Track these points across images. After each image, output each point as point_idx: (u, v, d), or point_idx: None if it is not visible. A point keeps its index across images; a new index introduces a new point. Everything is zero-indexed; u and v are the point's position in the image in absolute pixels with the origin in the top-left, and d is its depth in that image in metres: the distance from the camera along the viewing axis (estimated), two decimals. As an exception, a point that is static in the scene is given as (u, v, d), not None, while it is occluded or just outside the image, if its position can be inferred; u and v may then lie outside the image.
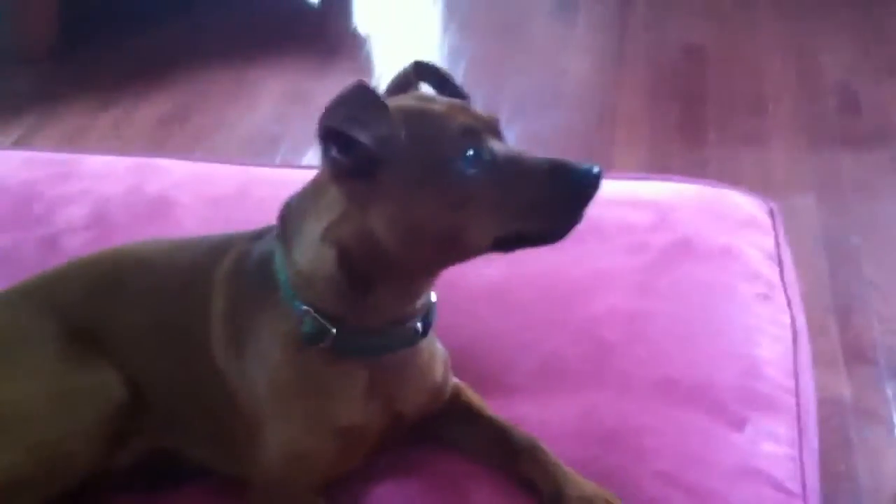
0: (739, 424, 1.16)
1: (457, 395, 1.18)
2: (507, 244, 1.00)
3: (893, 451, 1.85)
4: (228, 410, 1.09)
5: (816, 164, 2.67)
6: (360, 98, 0.95)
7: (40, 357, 1.12)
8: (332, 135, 0.95)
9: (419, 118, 0.97)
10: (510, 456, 1.12)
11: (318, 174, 1.04)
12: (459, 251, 1.01)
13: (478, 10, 3.60)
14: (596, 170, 0.97)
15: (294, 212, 1.06)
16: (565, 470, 1.09)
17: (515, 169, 0.97)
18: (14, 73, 3.29)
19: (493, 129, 1.01)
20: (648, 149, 2.76)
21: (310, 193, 1.04)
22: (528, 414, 1.18)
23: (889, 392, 1.97)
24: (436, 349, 1.15)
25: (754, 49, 3.22)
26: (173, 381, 1.13)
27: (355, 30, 3.54)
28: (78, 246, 1.46)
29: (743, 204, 1.52)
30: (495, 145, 0.99)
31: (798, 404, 1.22)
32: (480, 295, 1.36)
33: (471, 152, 0.96)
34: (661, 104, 2.96)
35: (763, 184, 2.37)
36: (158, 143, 2.91)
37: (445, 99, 1.03)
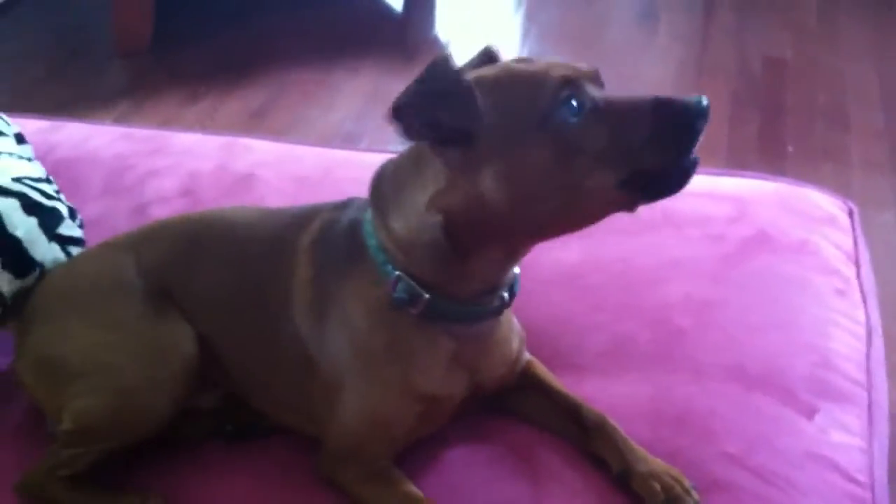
0: (810, 413, 1.16)
1: (529, 369, 1.20)
2: (631, 190, 0.97)
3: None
4: (306, 374, 1.12)
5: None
6: (439, 77, 0.96)
7: (124, 309, 1.16)
8: (412, 113, 0.96)
9: (511, 79, 0.99)
10: (580, 431, 1.14)
11: (410, 147, 1.06)
12: (583, 205, 0.98)
13: (558, 17, 3.62)
14: (704, 102, 0.96)
15: (389, 181, 1.07)
16: (634, 447, 1.10)
17: (620, 111, 0.96)
18: (110, 66, 3.40)
19: (594, 78, 1.01)
20: (726, 159, 2.74)
21: (408, 163, 1.05)
22: (597, 393, 1.20)
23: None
24: (513, 323, 1.17)
25: (836, 62, 3.18)
26: (249, 345, 1.16)
27: (436, 36, 3.59)
28: (166, 215, 1.50)
29: (822, 202, 1.51)
30: (596, 92, 0.99)
31: (870, 398, 1.22)
32: (554, 278, 1.38)
33: (573, 101, 0.96)
34: (740, 115, 2.94)
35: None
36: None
37: (541, 60, 1.03)
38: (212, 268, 1.18)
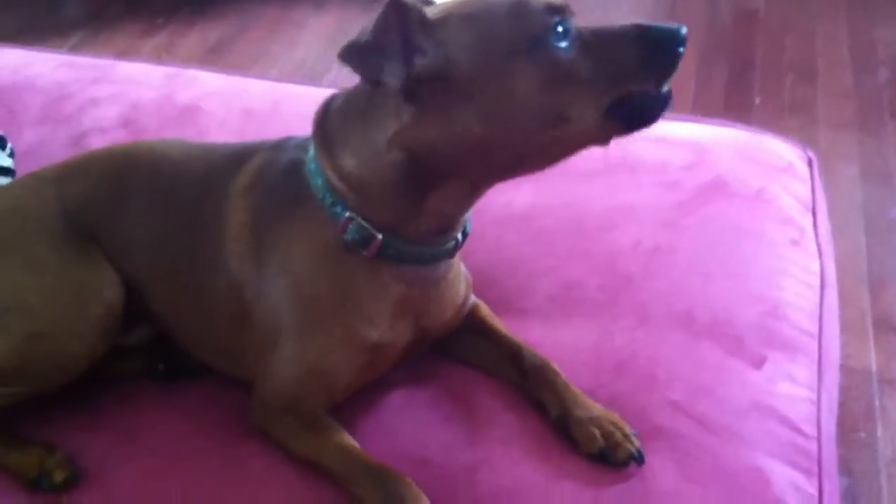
0: (757, 362, 1.14)
1: (474, 312, 1.17)
2: (614, 119, 0.95)
3: (914, 422, 1.81)
4: (241, 321, 1.07)
5: (862, 135, 2.61)
6: (390, 16, 0.90)
7: (43, 249, 1.11)
8: (360, 58, 0.91)
9: (491, 9, 0.93)
10: (521, 374, 1.11)
11: (362, 82, 0.99)
12: (566, 136, 0.95)
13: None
14: (683, 30, 0.96)
15: (337, 117, 1.01)
16: (574, 391, 1.08)
17: (604, 38, 0.94)
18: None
19: (568, 8, 0.97)
20: (692, 109, 2.71)
21: (361, 98, 0.99)
22: (542, 338, 1.17)
23: (916, 364, 1.93)
24: (460, 266, 1.13)
25: (808, 18, 3.15)
26: (179, 289, 1.12)
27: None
28: (103, 146, 1.45)
29: (782, 151, 1.48)
30: (576, 22, 0.95)
31: (820, 349, 1.19)
32: (506, 221, 1.34)
33: (559, 27, 0.92)
34: (709, 66, 2.91)
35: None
36: (198, 72, 2.91)
37: None
38: (138, 207, 1.13)
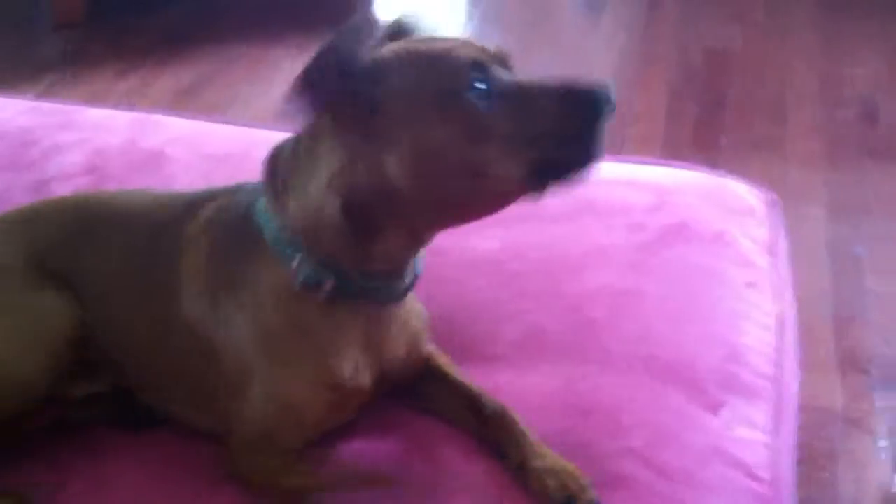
0: (715, 408, 1.14)
1: (431, 360, 1.17)
2: (537, 178, 0.95)
3: (877, 462, 1.82)
4: (202, 365, 1.08)
5: (829, 173, 2.64)
6: (335, 53, 0.93)
7: (3, 289, 1.12)
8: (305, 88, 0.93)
9: (418, 57, 0.96)
10: (480, 422, 1.11)
11: (308, 126, 1.02)
12: (488, 191, 0.96)
13: (503, 2, 3.58)
14: (609, 94, 0.95)
15: (285, 162, 1.03)
16: (532, 441, 1.07)
17: (527, 97, 0.94)
18: (43, 37, 3.32)
19: (502, 61, 0.98)
20: (661, 147, 2.74)
21: (305, 143, 1.01)
22: (507, 383, 1.18)
23: (880, 403, 1.94)
24: (413, 303, 1.14)
25: (780, 57, 3.18)
26: (139, 336, 1.12)
27: (376, 16, 3.53)
28: (68, 193, 1.45)
29: (743, 193, 1.50)
30: (504, 75, 0.96)
31: (777, 393, 1.20)
32: (472, 265, 1.35)
33: (481, 84, 0.93)
34: (679, 105, 2.93)
35: (773, 190, 2.34)
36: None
37: (450, 37, 1.01)
38: (99, 255, 1.14)
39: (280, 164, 1.04)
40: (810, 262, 2.28)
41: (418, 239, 1.02)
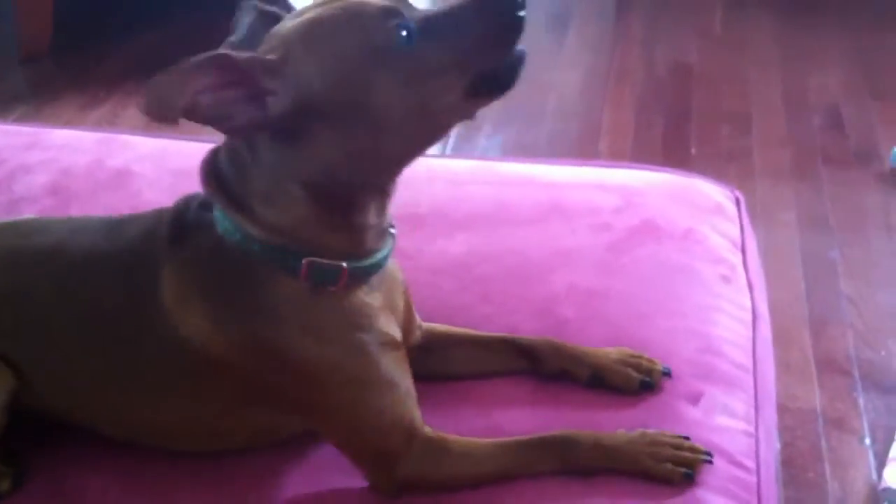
0: (694, 398, 1.14)
1: (434, 330, 1.18)
2: (479, 91, 0.96)
3: (862, 460, 1.82)
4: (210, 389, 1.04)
5: (798, 181, 2.66)
6: (215, 66, 0.89)
7: None
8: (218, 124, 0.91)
9: (327, 26, 0.93)
10: (529, 359, 1.16)
11: (227, 138, 0.98)
12: (437, 121, 0.97)
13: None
14: None
15: (233, 175, 0.98)
16: (585, 349, 1.16)
17: (446, 23, 0.94)
18: (10, 70, 3.31)
19: None
20: (631, 161, 2.75)
21: (240, 151, 0.97)
22: (479, 388, 1.17)
23: (861, 403, 1.95)
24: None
25: (742, 69, 3.22)
26: (109, 375, 1.06)
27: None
28: (33, 214, 1.43)
29: (709, 192, 1.50)
30: (414, 10, 0.96)
31: (755, 383, 1.20)
32: (442, 269, 1.35)
33: (400, 30, 0.92)
34: (646, 119, 2.96)
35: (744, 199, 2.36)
36: (141, 142, 2.90)
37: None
38: (42, 303, 1.07)
39: (228, 179, 0.99)
40: (784, 268, 2.29)
41: (386, 191, 1.01)
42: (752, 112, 2.99)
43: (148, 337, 1.03)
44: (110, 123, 2.99)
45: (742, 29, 3.48)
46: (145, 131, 2.87)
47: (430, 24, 0.94)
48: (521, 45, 0.96)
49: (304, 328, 1.00)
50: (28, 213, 1.44)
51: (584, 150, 2.82)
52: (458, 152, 2.70)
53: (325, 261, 0.99)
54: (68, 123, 2.97)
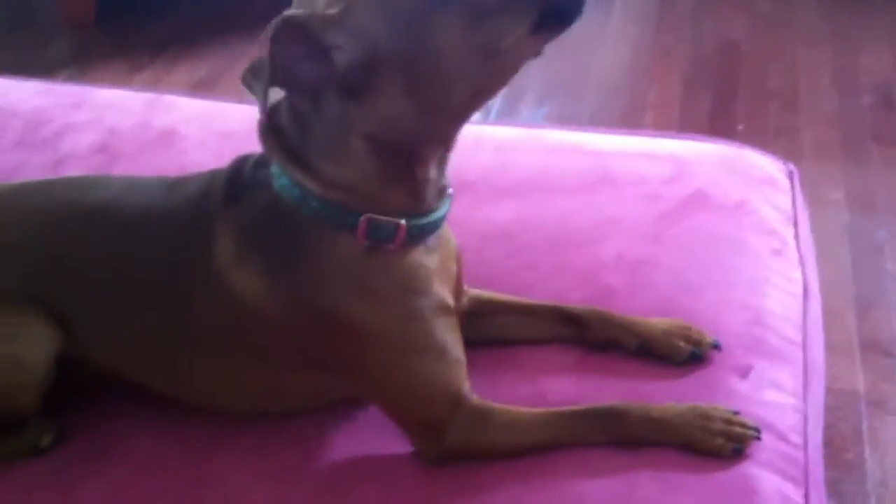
0: (743, 371, 1.12)
1: (481, 297, 1.18)
2: (542, 28, 0.93)
3: (902, 443, 1.79)
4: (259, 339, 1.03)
5: (847, 159, 2.62)
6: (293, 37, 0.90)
7: None
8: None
9: None
10: (578, 327, 1.15)
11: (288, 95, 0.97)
12: (505, 61, 0.94)
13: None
14: None
15: (294, 132, 0.98)
16: (634, 319, 1.15)
17: None
18: (54, 37, 3.33)
19: None
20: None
21: (304, 103, 0.96)
22: (525, 355, 1.16)
23: (902, 384, 1.91)
24: None
25: (790, 46, 3.16)
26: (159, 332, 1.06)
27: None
28: (80, 172, 1.43)
29: (762, 164, 1.47)
30: None
31: (805, 357, 1.17)
32: (489, 236, 1.33)
33: None
34: (693, 95, 2.92)
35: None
36: (184, 108, 2.91)
37: None
38: (96, 258, 1.07)
39: (289, 136, 0.99)
40: (830, 248, 2.25)
41: (448, 144, 1.00)
42: (801, 90, 2.93)
43: (202, 295, 1.03)
44: (154, 88, 3.00)
45: (790, 6, 3.41)
46: (190, 93, 2.92)
47: None
48: None
49: (359, 289, 0.99)
50: (74, 171, 1.45)
51: (628, 124, 2.79)
52: (504, 116, 2.68)
53: (383, 217, 0.98)
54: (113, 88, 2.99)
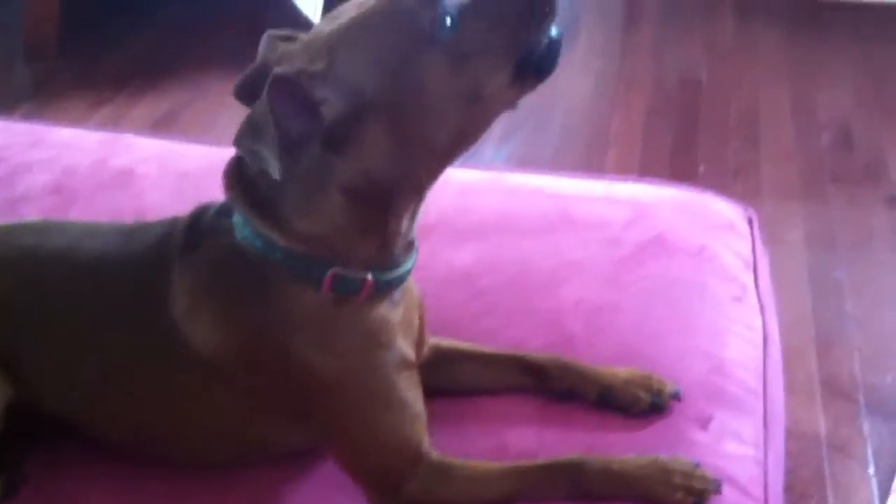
0: (704, 422, 1.12)
1: (441, 344, 1.16)
2: (520, 79, 0.95)
3: (865, 489, 1.80)
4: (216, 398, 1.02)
5: (806, 198, 2.64)
6: (284, 94, 0.90)
7: None
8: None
9: (366, 26, 0.92)
10: (538, 376, 1.14)
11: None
12: (485, 108, 0.95)
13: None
14: None
15: (265, 182, 0.96)
16: (594, 368, 1.13)
17: (484, 5, 0.93)
18: (17, 68, 3.30)
19: None
20: (638, 174, 2.73)
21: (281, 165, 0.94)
22: (485, 402, 1.14)
23: (865, 428, 1.92)
24: None
25: (751, 83, 3.20)
26: (115, 383, 1.05)
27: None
28: (35, 213, 1.42)
29: (721, 209, 1.48)
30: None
31: (765, 407, 1.17)
32: (449, 280, 1.32)
33: (445, 18, 0.91)
34: (654, 131, 2.94)
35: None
36: (145, 142, 2.88)
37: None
38: (52, 305, 1.05)
39: (249, 183, 0.98)
40: (790, 287, 2.26)
41: (423, 195, 1.00)
42: (760, 127, 2.97)
43: (156, 344, 1.02)
44: (116, 122, 2.98)
45: (751, 42, 3.46)
46: (151, 131, 2.88)
47: (469, 9, 0.93)
48: (557, 29, 0.95)
49: (321, 341, 0.98)
50: (29, 212, 1.42)
51: (591, 160, 2.80)
52: (466, 157, 2.67)
53: (349, 271, 0.97)
54: (74, 121, 2.95)
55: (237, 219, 0.99)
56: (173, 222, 1.06)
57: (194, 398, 1.03)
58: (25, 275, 1.07)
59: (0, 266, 1.08)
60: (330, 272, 0.96)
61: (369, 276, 0.97)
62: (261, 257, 0.97)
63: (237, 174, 0.99)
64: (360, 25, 0.93)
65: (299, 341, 0.98)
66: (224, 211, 1.02)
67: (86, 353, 1.05)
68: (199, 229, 1.03)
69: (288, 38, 1.00)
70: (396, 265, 1.00)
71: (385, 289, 1.00)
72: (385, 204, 0.97)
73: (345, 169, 0.94)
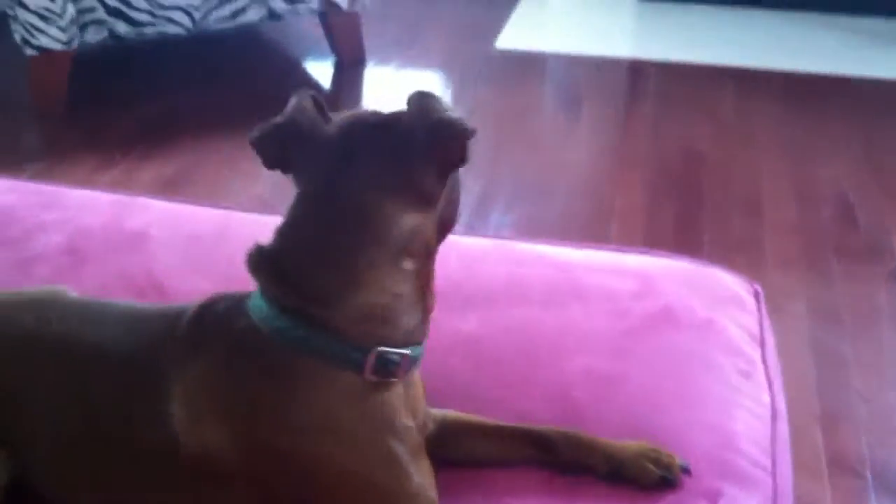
0: (713, 497, 1.11)
1: (448, 417, 1.15)
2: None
3: (873, 567, 1.78)
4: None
5: (809, 272, 2.65)
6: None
7: None
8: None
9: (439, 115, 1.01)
10: (547, 451, 1.13)
11: (326, 209, 0.98)
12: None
13: (484, 99, 3.64)
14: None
15: (304, 259, 0.95)
16: (605, 441, 1.13)
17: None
18: (24, 129, 3.34)
19: None
20: (643, 244, 2.74)
21: (338, 228, 0.95)
22: (492, 473, 1.14)
23: (871, 505, 1.91)
24: None
25: (752, 157, 3.23)
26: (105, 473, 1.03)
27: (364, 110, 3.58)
28: (48, 273, 1.44)
29: (728, 282, 1.49)
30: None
31: (774, 484, 1.17)
32: (455, 348, 1.32)
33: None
34: (658, 203, 2.96)
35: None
36: (154, 205, 2.90)
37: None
38: (51, 397, 1.03)
39: (297, 266, 0.95)
40: (794, 361, 2.26)
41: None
42: (763, 201, 2.99)
43: (155, 446, 0.99)
44: (123, 185, 3.00)
45: (751, 116, 3.51)
46: (159, 193, 2.91)
47: None
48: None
49: (352, 436, 0.95)
50: (42, 272, 1.44)
51: (595, 231, 2.82)
52: (471, 226, 2.70)
53: (388, 350, 0.96)
54: (82, 182, 2.98)
55: (258, 303, 0.97)
56: (180, 313, 1.04)
57: (198, 499, 1.00)
58: (24, 359, 1.06)
59: (1, 346, 1.07)
60: (374, 352, 0.95)
61: (409, 352, 0.97)
62: (290, 344, 0.94)
63: (258, 258, 0.99)
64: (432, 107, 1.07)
65: (327, 441, 0.95)
66: (235, 301, 1.00)
67: (80, 448, 1.03)
68: (207, 322, 1.01)
69: (314, 99, 1.05)
70: (424, 339, 1.01)
71: (412, 367, 1.00)
72: (428, 271, 1.00)
73: (419, 237, 0.97)
